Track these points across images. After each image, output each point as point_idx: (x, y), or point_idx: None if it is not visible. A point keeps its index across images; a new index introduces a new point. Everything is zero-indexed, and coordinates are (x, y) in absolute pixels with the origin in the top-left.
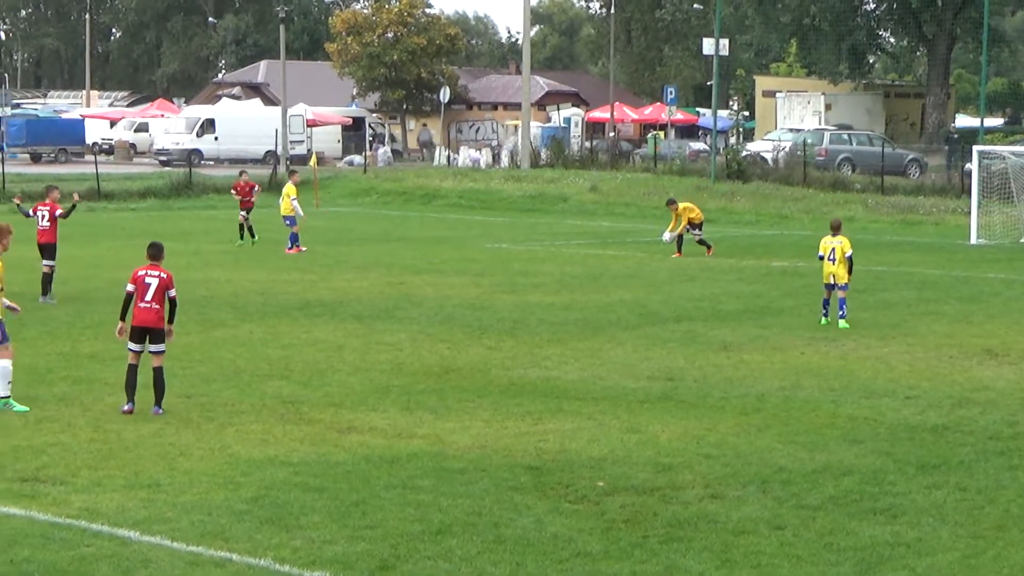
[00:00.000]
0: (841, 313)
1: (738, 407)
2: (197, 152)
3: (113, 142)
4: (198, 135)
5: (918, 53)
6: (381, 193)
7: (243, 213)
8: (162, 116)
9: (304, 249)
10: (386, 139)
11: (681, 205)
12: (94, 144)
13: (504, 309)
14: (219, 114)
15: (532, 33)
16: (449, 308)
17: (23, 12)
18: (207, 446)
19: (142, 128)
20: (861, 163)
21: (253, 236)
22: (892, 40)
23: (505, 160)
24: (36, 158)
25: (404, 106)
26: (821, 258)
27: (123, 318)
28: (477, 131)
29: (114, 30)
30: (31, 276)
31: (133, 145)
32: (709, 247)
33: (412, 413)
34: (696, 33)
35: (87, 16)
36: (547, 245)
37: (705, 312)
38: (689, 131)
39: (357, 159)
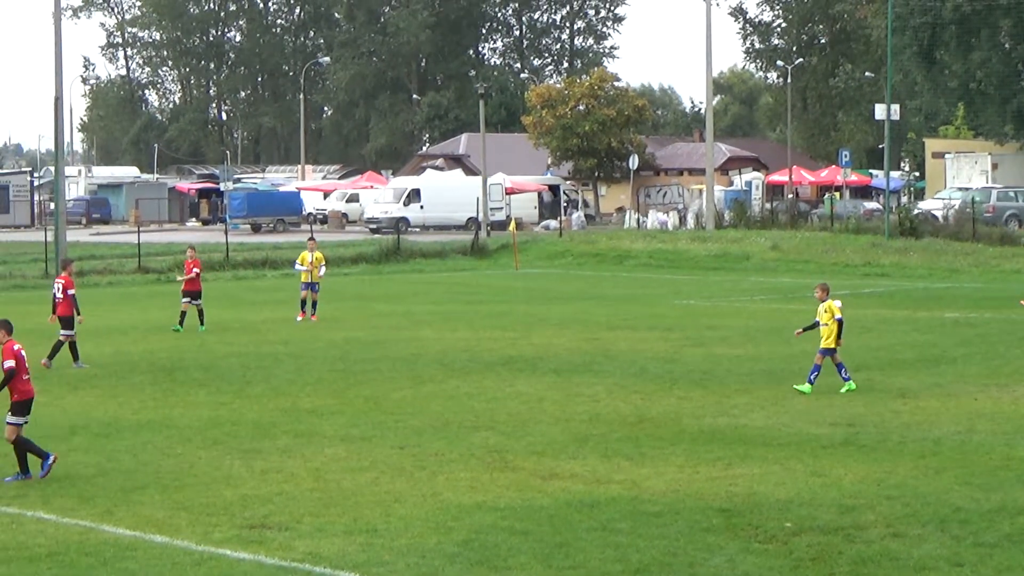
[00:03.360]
0: (845, 376)
1: (916, 451)
2: (404, 220)
3: (327, 212)
4: (405, 204)
5: None
6: (576, 255)
7: (186, 299)
8: (371, 187)
9: (301, 319)
10: (580, 204)
11: None
12: (309, 214)
13: (693, 361)
14: (424, 184)
15: (714, 103)
16: (642, 361)
17: (242, 94)
18: (420, 493)
19: (353, 199)
20: None
21: (202, 322)
22: None
23: (691, 222)
24: (256, 228)
25: (596, 173)
26: (817, 324)
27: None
28: (664, 195)
29: (326, 108)
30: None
31: (345, 215)
32: None
33: (610, 460)
34: (868, 99)
35: (301, 96)
36: (732, 301)
37: (882, 361)
38: (863, 191)
39: (553, 223)
